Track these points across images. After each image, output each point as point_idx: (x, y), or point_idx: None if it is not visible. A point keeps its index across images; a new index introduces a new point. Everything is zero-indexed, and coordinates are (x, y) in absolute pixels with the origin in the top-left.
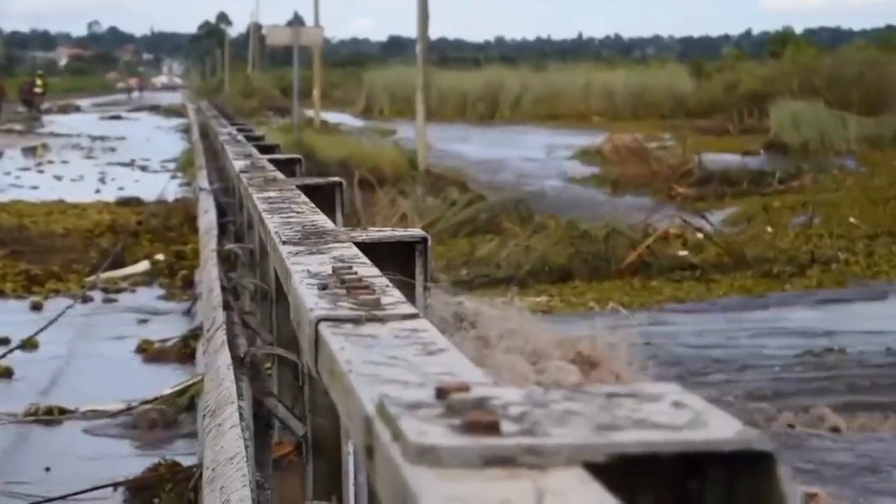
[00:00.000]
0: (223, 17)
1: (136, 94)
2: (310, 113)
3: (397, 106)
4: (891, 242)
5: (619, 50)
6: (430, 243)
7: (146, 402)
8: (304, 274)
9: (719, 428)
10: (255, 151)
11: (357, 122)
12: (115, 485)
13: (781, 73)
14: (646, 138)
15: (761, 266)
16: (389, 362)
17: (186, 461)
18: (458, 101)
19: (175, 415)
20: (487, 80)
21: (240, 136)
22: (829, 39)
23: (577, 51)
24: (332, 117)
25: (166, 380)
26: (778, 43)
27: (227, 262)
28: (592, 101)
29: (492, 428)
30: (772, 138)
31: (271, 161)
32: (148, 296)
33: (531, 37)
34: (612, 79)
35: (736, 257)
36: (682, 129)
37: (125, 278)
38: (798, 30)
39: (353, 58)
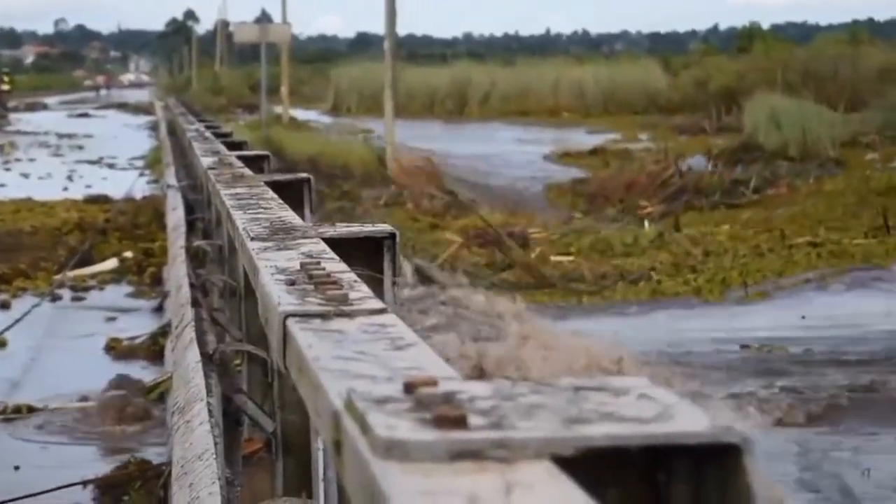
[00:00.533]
0: (191, 15)
1: (103, 92)
2: (278, 110)
3: (365, 103)
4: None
5: (587, 46)
6: (398, 238)
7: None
8: (272, 270)
9: (686, 421)
10: (223, 148)
11: (326, 119)
12: (85, 483)
13: (755, 67)
14: (624, 138)
15: (567, 284)
16: (357, 357)
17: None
18: (426, 97)
19: (146, 407)
20: (456, 77)
21: (207, 133)
22: (796, 35)
23: (545, 47)
24: (301, 114)
25: (135, 377)
26: (745, 38)
27: (195, 259)
28: (562, 98)
29: (460, 422)
30: (747, 139)
31: (239, 158)
32: (116, 293)
33: (499, 33)
34: (583, 75)
35: (537, 277)
36: (659, 127)
37: (93, 276)
38: (765, 25)
39: (321, 54)
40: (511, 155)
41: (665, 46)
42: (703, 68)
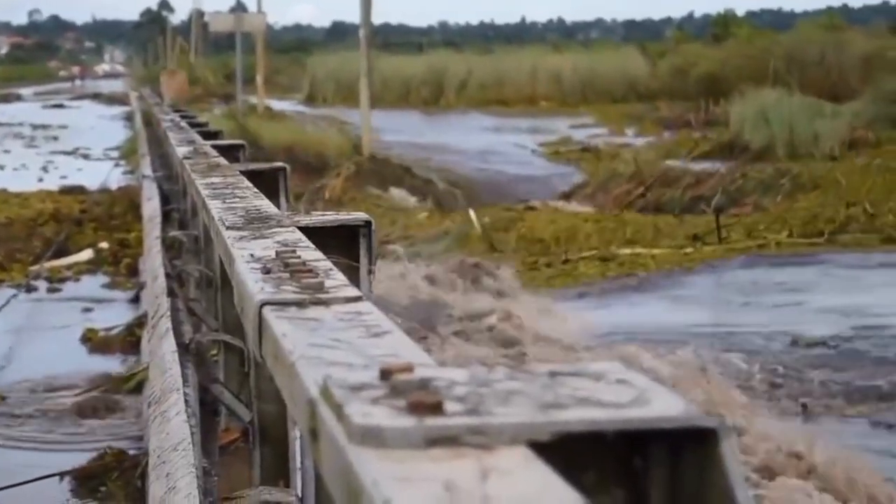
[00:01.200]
0: (165, 5)
1: (78, 83)
2: (254, 100)
3: (341, 92)
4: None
5: (562, 34)
6: (373, 227)
7: (89, 390)
8: (247, 259)
9: (663, 405)
10: (198, 138)
11: (301, 109)
12: (61, 474)
13: (738, 55)
14: (611, 132)
15: None
16: (333, 345)
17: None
18: (402, 86)
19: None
20: (432, 65)
21: (183, 123)
22: (772, 22)
23: (521, 35)
24: (276, 104)
25: (112, 368)
26: (720, 25)
27: (171, 249)
28: (540, 86)
29: (436, 408)
30: (733, 136)
31: (214, 147)
32: (92, 284)
33: (474, 21)
34: (560, 62)
35: None
36: (644, 121)
37: (69, 267)
38: (740, 12)
39: (296, 44)
40: (498, 149)
41: (640, 34)
42: (682, 56)
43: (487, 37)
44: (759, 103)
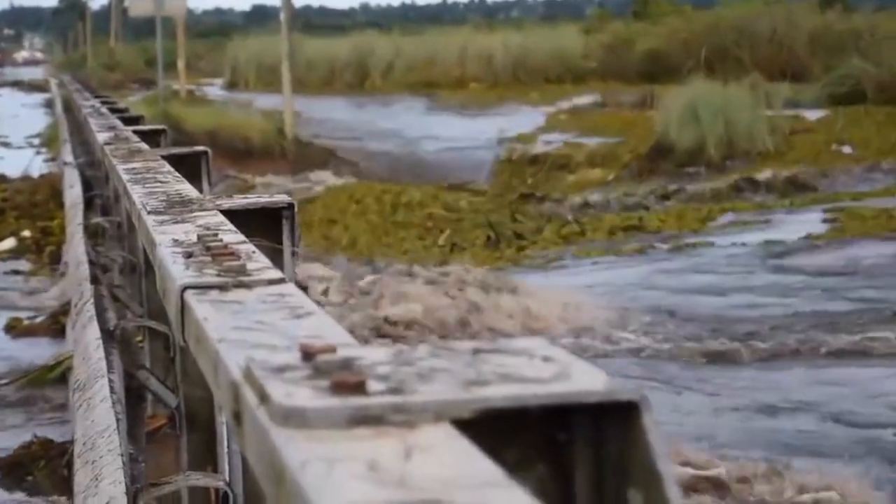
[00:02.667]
0: None
1: None
2: (175, 85)
3: (264, 77)
4: None
5: (484, 14)
6: (296, 209)
7: (15, 380)
8: (169, 243)
9: (585, 380)
10: (118, 123)
11: (223, 94)
12: None
13: (684, 30)
14: (583, 134)
15: None
16: (256, 327)
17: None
18: (327, 69)
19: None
20: (357, 46)
21: (103, 109)
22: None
23: (443, 15)
24: (199, 89)
25: (37, 357)
26: (640, 3)
27: (94, 236)
28: (470, 67)
29: (358, 387)
30: (659, 137)
31: (136, 133)
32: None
33: (396, 2)
34: (491, 42)
35: None
36: (584, 116)
37: None
38: None
39: (217, 28)
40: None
41: (561, 12)
42: (614, 34)
43: (409, 18)
44: (687, 96)
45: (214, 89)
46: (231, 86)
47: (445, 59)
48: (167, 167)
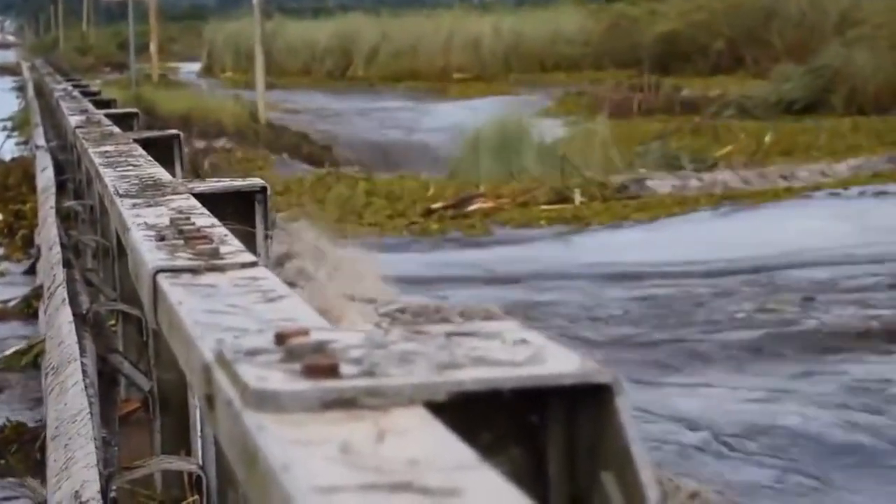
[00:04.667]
0: None
1: None
2: (148, 69)
3: (241, 63)
4: None
5: None
6: (269, 192)
7: None
8: (141, 226)
9: (558, 362)
10: (90, 107)
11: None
12: None
13: (705, 9)
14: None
15: None
16: (228, 311)
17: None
18: (308, 55)
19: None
20: (339, 30)
21: (75, 93)
22: None
23: None
24: (172, 73)
25: (8, 342)
26: None
27: (67, 219)
28: (455, 55)
29: (332, 371)
30: None
31: (108, 116)
32: None
33: None
34: (481, 26)
35: None
36: (579, 109)
37: None
38: None
39: (190, 11)
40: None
41: None
42: (620, 14)
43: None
44: None
45: (189, 74)
46: (207, 71)
47: (430, 47)
48: (139, 150)
